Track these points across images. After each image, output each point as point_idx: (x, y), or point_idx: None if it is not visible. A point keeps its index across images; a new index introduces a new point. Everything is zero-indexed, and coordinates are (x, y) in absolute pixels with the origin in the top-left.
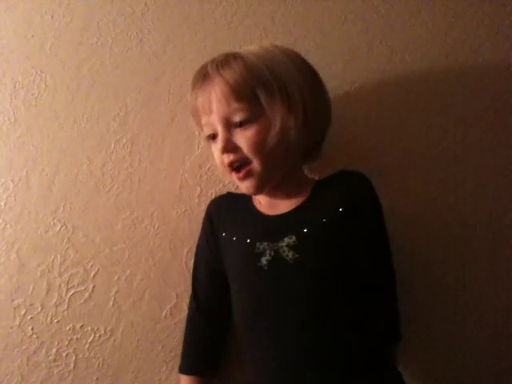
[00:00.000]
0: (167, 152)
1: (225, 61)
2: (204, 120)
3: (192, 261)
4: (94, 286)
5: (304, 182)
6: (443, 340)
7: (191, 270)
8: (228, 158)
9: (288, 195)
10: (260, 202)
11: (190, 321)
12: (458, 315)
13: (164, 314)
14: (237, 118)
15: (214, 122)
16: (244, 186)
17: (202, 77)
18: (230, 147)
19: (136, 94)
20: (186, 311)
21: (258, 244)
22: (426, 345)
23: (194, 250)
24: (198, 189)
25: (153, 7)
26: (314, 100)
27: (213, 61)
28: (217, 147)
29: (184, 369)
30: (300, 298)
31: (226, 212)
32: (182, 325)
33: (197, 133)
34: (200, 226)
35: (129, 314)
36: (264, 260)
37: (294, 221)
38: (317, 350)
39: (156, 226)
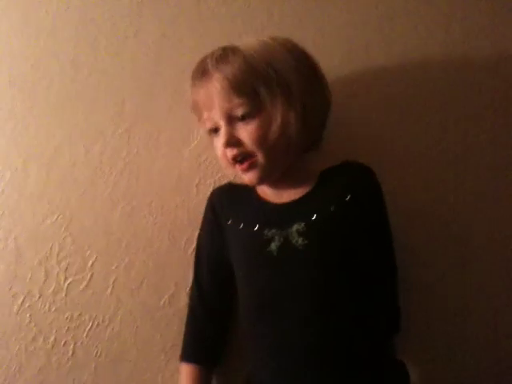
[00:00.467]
0: (165, 142)
1: (223, 55)
2: (205, 115)
3: (191, 250)
4: (91, 275)
5: (308, 172)
6: (443, 340)
7: (190, 259)
8: (231, 151)
9: (293, 185)
10: (265, 191)
11: (192, 312)
12: (458, 316)
13: (162, 302)
14: (239, 113)
15: (215, 116)
16: (247, 178)
17: (201, 72)
18: (233, 141)
19: (133, 84)
20: (185, 300)
21: (266, 231)
22: (425, 344)
23: (192, 239)
24: (197, 178)
25: None
26: (314, 92)
27: (211, 55)
28: (219, 141)
29: (185, 357)
30: (307, 285)
31: (229, 201)
32: (181, 314)
33: (194, 123)
34: (198, 215)
35: (127, 302)
36: (274, 246)
37: (303, 208)
38: (319, 346)
39: (154, 216)
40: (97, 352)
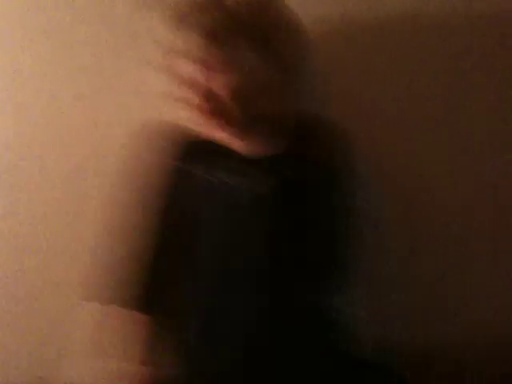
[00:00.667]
0: None
1: (206, 6)
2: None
3: None
4: None
5: (285, 124)
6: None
7: None
8: (207, 104)
9: (270, 135)
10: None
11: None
12: (458, 316)
13: None
14: (215, 64)
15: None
16: (220, 134)
17: (180, 18)
18: (208, 94)
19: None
20: None
21: (239, 183)
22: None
23: None
24: None
25: None
26: (296, 53)
27: (194, 3)
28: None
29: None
30: (275, 241)
31: (196, 153)
32: None
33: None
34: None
35: None
36: (243, 199)
37: (277, 163)
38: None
39: None
40: None
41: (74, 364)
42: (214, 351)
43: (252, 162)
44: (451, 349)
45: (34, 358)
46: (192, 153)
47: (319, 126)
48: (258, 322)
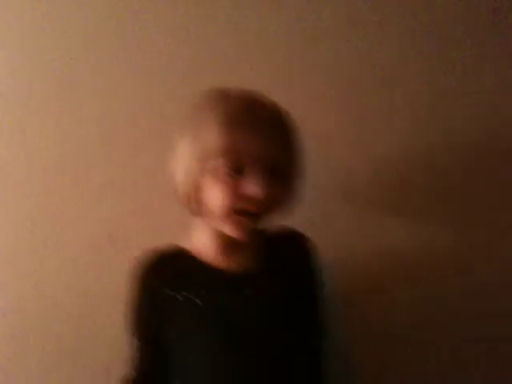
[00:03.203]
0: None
1: (278, 113)
2: (232, 154)
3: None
4: None
5: (254, 235)
6: None
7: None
8: (252, 205)
9: (242, 249)
10: (210, 255)
11: None
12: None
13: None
14: (281, 167)
15: (250, 162)
16: (239, 232)
17: (256, 120)
18: (265, 196)
19: (46, 141)
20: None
21: (220, 299)
22: None
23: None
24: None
25: None
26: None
27: (268, 107)
28: (235, 187)
29: None
30: (267, 352)
31: (167, 269)
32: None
33: (108, 185)
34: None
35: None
36: (230, 315)
37: (256, 276)
38: None
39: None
40: None
41: None
42: None
43: (236, 277)
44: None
45: None
46: (164, 270)
47: (286, 234)
48: None
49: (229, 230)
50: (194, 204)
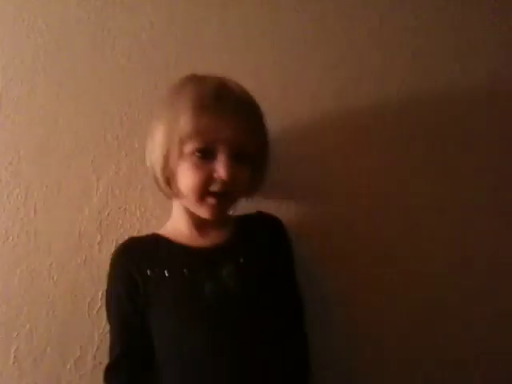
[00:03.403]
0: (64, 200)
1: (246, 96)
2: (203, 137)
3: (95, 311)
4: None
5: (226, 217)
6: None
7: (95, 320)
8: (220, 186)
9: (215, 228)
10: (182, 236)
11: None
12: None
13: (68, 367)
14: (247, 152)
15: (218, 146)
16: (212, 211)
17: (223, 102)
18: (233, 177)
19: (28, 141)
20: (92, 363)
21: (196, 274)
22: None
23: (96, 299)
24: (98, 236)
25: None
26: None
27: (232, 89)
28: (206, 169)
29: None
30: (241, 325)
31: (143, 253)
32: (88, 377)
33: (94, 178)
34: (102, 274)
35: (30, 372)
36: (207, 289)
37: (230, 252)
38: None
39: (55, 278)
40: None
41: None
42: None
43: (206, 252)
44: None
45: None
46: (134, 256)
47: (256, 214)
48: None
49: (202, 211)
50: (168, 187)
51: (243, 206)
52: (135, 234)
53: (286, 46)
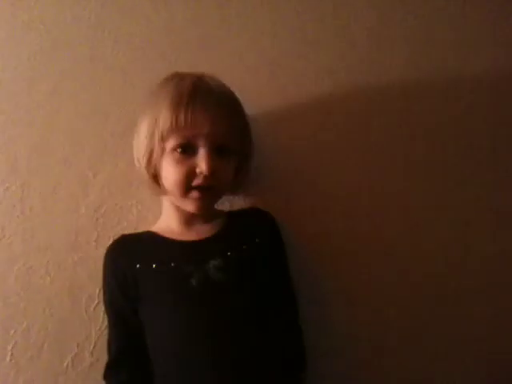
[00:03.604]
0: (60, 197)
1: (226, 91)
2: (182, 133)
3: (92, 308)
4: None
5: (216, 212)
6: None
7: (92, 317)
8: (203, 180)
9: (205, 222)
10: (172, 231)
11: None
12: None
13: (65, 365)
14: (228, 146)
15: (198, 141)
16: (197, 205)
17: (203, 96)
18: (214, 171)
19: (25, 140)
20: (89, 360)
21: (184, 267)
22: None
23: (94, 296)
24: (95, 233)
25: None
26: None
27: (210, 85)
28: (188, 163)
29: None
30: (228, 317)
31: (132, 249)
32: (84, 375)
33: (91, 175)
34: (99, 271)
35: (28, 369)
36: (194, 281)
37: (217, 245)
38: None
39: (52, 275)
40: None
41: None
42: None
43: (194, 245)
44: None
45: None
46: (124, 252)
47: (247, 210)
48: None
49: (187, 206)
50: (155, 184)
51: (243, 204)
52: (132, 231)
53: (286, 45)
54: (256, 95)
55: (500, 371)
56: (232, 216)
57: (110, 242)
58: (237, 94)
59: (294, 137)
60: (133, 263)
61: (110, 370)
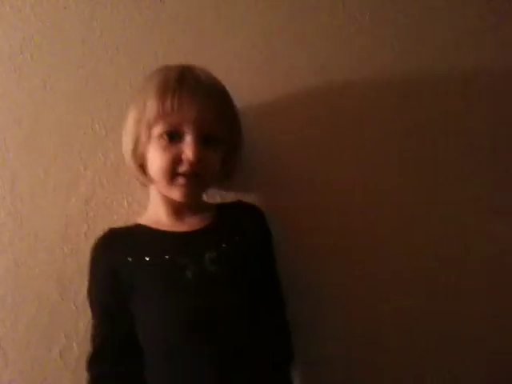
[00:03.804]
0: (51, 189)
1: (213, 81)
2: (169, 120)
3: (80, 299)
4: None
5: (206, 204)
6: None
7: (80, 309)
8: (188, 167)
9: (195, 214)
10: (161, 223)
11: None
12: None
13: (53, 356)
14: (216, 136)
15: (186, 129)
16: (183, 192)
17: (191, 84)
18: (200, 160)
19: (16, 131)
20: (77, 352)
21: (178, 258)
22: None
23: (83, 289)
24: (85, 225)
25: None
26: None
27: (196, 73)
28: (174, 150)
29: None
30: (223, 309)
31: (122, 242)
32: (72, 366)
33: (81, 167)
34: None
35: (16, 361)
36: (189, 273)
37: (210, 237)
38: (226, 366)
39: (41, 267)
40: None
41: None
42: None
43: (187, 237)
44: None
45: None
46: (114, 246)
47: (236, 203)
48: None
49: (173, 193)
50: (142, 173)
51: (233, 198)
52: (122, 223)
53: (276, 40)
54: (246, 89)
55: (500, 371)
56: (221, 208)
57: (101, 234)
58: (227, 87)
59: (284, 131)
60: (124, 257)
61: (94, 362)
